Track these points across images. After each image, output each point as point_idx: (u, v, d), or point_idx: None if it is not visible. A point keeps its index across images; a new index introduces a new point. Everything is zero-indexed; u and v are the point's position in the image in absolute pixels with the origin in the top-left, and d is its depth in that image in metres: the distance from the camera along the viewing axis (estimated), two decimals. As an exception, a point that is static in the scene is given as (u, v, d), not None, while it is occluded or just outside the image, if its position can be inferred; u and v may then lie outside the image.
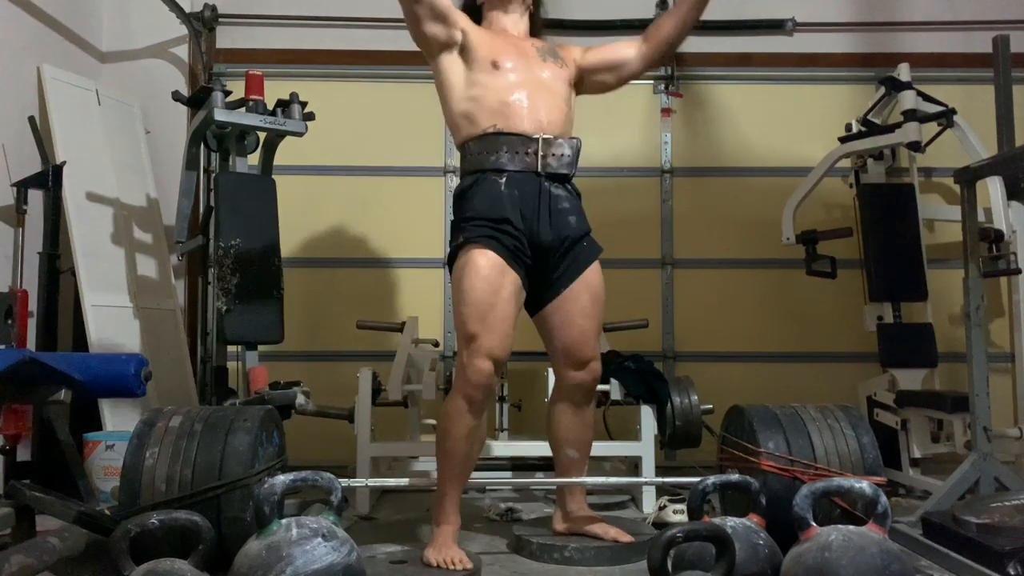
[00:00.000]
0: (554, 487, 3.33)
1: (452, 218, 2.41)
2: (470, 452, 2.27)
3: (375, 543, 2.34)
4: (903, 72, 3.76)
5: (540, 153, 2.28)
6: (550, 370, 3.22)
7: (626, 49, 2.48)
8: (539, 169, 2.29)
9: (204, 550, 1.73)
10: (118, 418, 3.31)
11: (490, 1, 2.48)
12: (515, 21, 2.47)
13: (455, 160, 4.26)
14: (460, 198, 2.35)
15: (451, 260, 2.33)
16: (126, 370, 2.58)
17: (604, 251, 2.43)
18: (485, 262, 2.22)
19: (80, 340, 3.45)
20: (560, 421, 2.46)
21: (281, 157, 3.56)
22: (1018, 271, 3.50)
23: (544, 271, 2.34)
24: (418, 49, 2.39)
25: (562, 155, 2.32)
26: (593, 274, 2.38)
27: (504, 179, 2.28)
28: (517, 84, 2.31)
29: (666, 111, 4.35)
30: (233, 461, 2.11)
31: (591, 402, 2.48)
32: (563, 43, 2.55)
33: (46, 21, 3.68)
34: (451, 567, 2.10)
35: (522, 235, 2.27)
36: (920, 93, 3.71)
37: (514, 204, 2.27)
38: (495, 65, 2.31)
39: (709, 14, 2.28)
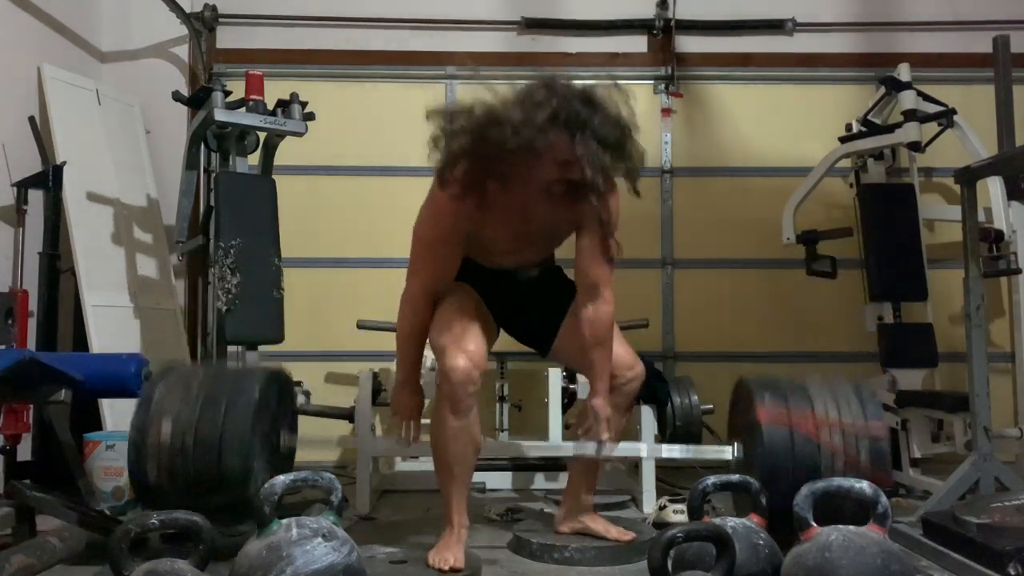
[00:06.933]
0: (554, 488, 3.34)
1: None
2: (464, 455, 2.25)
3: (375, 543, 2.34)
4: (903, 72, 3.76)
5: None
6: (551, 370, 3.24)
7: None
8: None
9: (204, 550, 1.73)
10: (118, 418, 3.30)
11: None
12: None
13: (455, 160, 4.26)
14: None
15: None
16: (126, 370, 2.59)
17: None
18: (452, 287, 2.31)
19: (80, 340, 3.45)
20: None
21: (281, 157, 3.55)
22: (1018, 271, 3.50)
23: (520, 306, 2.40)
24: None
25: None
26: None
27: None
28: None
29: (666, 111, 4.35)
30: (232, 485, 2.15)
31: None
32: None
33: (46, 21, 3.67)
34: (441, 568, 2.11)
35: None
36: (920, 93, 3.70)
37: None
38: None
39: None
